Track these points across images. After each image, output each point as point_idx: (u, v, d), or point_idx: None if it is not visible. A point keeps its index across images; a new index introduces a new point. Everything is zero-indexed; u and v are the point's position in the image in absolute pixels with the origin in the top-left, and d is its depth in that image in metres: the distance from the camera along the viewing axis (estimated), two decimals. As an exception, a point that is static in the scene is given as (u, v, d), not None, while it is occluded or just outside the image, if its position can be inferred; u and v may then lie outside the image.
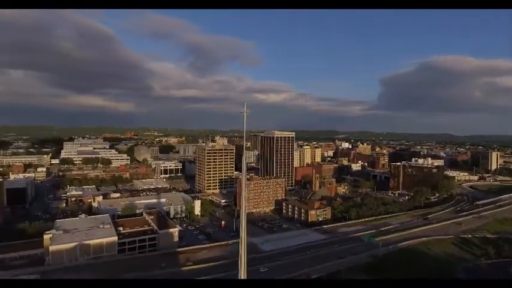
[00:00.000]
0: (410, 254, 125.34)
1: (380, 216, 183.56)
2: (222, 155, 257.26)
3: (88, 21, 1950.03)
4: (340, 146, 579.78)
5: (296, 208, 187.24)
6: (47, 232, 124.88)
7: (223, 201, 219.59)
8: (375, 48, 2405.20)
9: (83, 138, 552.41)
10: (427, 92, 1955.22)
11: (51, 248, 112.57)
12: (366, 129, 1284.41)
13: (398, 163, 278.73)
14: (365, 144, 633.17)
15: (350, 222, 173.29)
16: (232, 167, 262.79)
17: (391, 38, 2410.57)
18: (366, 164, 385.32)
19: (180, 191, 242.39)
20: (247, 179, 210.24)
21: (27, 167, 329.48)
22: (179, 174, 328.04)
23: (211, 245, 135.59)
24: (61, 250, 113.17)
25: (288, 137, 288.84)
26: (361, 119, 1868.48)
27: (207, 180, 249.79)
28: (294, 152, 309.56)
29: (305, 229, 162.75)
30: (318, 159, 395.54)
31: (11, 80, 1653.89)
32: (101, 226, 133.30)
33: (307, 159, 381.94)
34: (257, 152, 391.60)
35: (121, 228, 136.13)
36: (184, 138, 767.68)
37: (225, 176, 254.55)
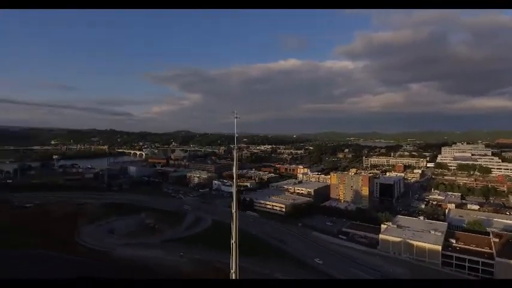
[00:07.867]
0: None
1: None
2: None
3: (485, 19, 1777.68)
4: None
5: None
6: (385, 223, 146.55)
7: None
8: None
9: (463, 143, 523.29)
10: None
11: (381, 236, 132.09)
12: None
13: None
14: None
15: None
16: None
17: None
18: None
19: None
20: None
21: (406, 167, 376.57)
22: None
23: None
24: (388, 240, 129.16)
25: None
26: None
27: None
28: None
29: None
30: None
31: (410, 93, 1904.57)
32: (432, 232, 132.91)
33: None
34: None
35: (453, 241, 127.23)
36: None
37: None
